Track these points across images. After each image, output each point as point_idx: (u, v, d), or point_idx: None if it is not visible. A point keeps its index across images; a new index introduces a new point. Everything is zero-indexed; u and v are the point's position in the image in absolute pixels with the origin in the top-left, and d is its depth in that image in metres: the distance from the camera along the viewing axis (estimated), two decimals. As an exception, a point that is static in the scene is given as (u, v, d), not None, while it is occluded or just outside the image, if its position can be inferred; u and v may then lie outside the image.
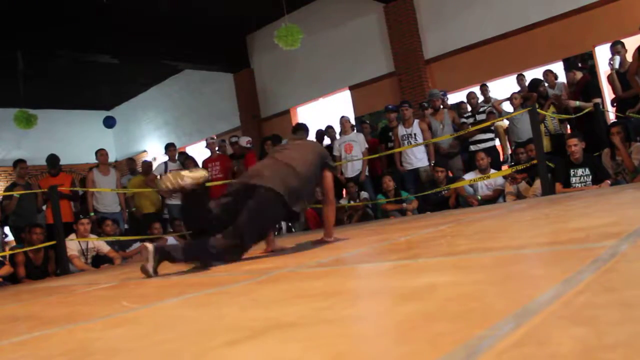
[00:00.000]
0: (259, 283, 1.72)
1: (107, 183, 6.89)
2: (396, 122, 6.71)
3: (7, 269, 5.37)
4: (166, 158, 7.68)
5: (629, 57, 5.63)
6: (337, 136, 7.19)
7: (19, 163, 6.64)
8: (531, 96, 6.14)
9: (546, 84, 6.29)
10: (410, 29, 8.19)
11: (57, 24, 7.91)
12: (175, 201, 7.36)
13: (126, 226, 7.34)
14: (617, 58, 5.68)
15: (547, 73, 6.41)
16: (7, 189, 7.01)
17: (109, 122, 11.69)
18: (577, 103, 5.84)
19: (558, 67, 6.82)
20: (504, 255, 1.43)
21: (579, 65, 6.62)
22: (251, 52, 10.74)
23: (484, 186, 5.84)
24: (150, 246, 2.57)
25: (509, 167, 6.03)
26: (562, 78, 6.61)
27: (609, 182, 4.75)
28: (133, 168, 8.51)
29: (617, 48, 5.69)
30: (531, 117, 5.19)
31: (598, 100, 5.83)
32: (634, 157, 4.84)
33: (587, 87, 5.97)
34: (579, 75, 6.10)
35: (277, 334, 0.90)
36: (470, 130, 6.21)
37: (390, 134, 6.79)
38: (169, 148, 7.68)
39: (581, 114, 5.71)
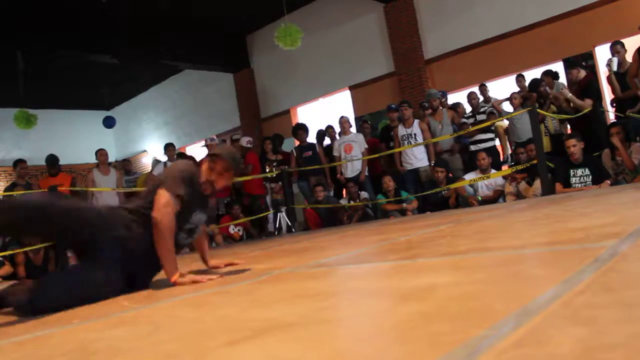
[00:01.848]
0: (259, 283, 1.72)
1: (107, 183, 6.89)
2: (397, 121, 6.72)
3: (7, 269, 5.37)
4: (166, 158, 7.69)
5: (628, 58, 5.64)
6: (337, 136, 7.19)
7: (19, 163, 6.64)
8: (531, 96, 6.13)
9: (546, 87, 6.28)
10: (410, 29, 8.19)
11: (57, 24, 7.90)
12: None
13: None
14: (615, 60, 5.67)
15: (545, 75, 6.40)
16: (7, 189, 7.02)
17: (109, 122, 11.68)
18: (569, 94, 5.77)
19: (558, 67, 6.82)
20: (504, 255, 1.43)
21: (583, 64, 6.59)
22: (251, 52, 10.73)
23: (484, 186, 5.84)
24: None
25: (509, 167, 6.03)
26: (562, 78, 6.60)
27: (609, 182, 4.75)
28: (129, 169, 8.52)
29: (617, 48, 5.68)
30: (531, 117, 5.19)
31: (590, 102, 5.77)
32: (634, 157, 4.84)
33: (589, 87, 5.96)
34: (582, 73, 6.08)
35: (277, 334, 0.90)
36: (470, 130, 6.21)
37: (392, 133, 6.80)
38: (168, 148, 7.69)
39: (581, 114, 5.70)
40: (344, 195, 7.08)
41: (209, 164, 2.20)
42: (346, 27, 9.06)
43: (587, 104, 5.70)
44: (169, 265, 2.01)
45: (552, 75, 6.39)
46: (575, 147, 4.88)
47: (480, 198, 5.73)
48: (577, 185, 4.91)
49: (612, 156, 5.10)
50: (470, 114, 6.69)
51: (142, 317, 1.40)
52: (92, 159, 7.38)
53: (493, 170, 5.78)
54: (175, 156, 7.71)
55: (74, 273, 2.03)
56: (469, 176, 5.86)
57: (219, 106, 11.26)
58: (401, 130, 6.53)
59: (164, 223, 1.96)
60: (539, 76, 6.49)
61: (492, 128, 6.46)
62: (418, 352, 0.66)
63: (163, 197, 1.99)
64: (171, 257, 2.02)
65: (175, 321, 1.28)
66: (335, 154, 6.99)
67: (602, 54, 6.53)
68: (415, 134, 6.44)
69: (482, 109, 6.59)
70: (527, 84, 6.60)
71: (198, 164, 2.25)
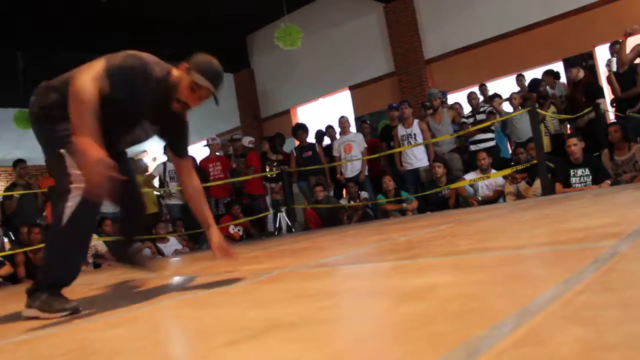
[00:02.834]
0: (259, 283, 1.72)
1: (107, 183, 6.89)
2: (397, 121, 6.73)
3: (7, 269, 5.37)
4: (165, 158, 7.68)
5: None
6: (337, 136, 7.20)
7: (19, 163, 6.64)
8: (530, 96, 6.14)
9: (547, 86, 6.28)
10: (410, 29, 8.19)
11: (57, 24, 7.90)
12: (175, 201, 7.36)
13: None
14: (614, 60, 5.68)
15: (546, 75, 6.39)
16: (7, 189, 7.01)
17: (109, 122, 11.67)
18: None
19: (558, 67, 6.83)
20: (504, 255, 1.43)
21: (583, 64, 6.59)
22: (251, 52, 10.73)
23: (484, 186, 5.84)
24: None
25: (509, 167, 6.03)
26: (562, 78, 6.60)
27: (609, 182, 4.75)
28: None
29: (616, 48, 5.68)
30: (531, 117, 5.19)
31: (601, 100, 5.81)
32: (639, 159, 4.85)
33: (589, 87, 5.96)
34: (581, 73, 6.08)
35: (277, 334, 0.90)
36: (470, 130, 6.22)
37: (392, 133, 6.80)
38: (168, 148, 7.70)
39: (581, 114, 5.71)
40: (344, 195, 7.08)
41: (192, 84, 1.87)
42: (346, 27, 9.06)
43: (597, 102, 5.71)
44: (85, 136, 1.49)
45: (554, 75, 6.40)
46: (576, 146, 4.89)
47: (480, 198, 5.73)
48: (577, 185, 4.91)
49: (610, 156, 5.11)
50: (470, 114, 6.70)
51: (142, 317, 1.40)
52: (92, 159, 7.37)
53: (493, 170, 5.78)
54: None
55: None
56: (469, 176, 5.87)
57: (219, 106, 11.24)
58: (401, 130, 6.53)
59: (84, 90, 1.55)
60: (538, 76, 6.50)
61: (492, 128, 6.46)
62: (418, 352, 0.66)
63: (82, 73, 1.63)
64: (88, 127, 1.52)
65: (175, 321, 1.28)
66: (335, 154, 7.00)
67: (602, 54, 6.53)
68: (415, 134, 6.45)
69: (481, 109, 6.59)
70: (527, 84, 6.61)
71: (168, 74, 1.86)
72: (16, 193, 6.30)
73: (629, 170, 4.94)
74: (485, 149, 6.11)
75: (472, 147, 6.37)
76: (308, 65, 9.55)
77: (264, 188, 7.51)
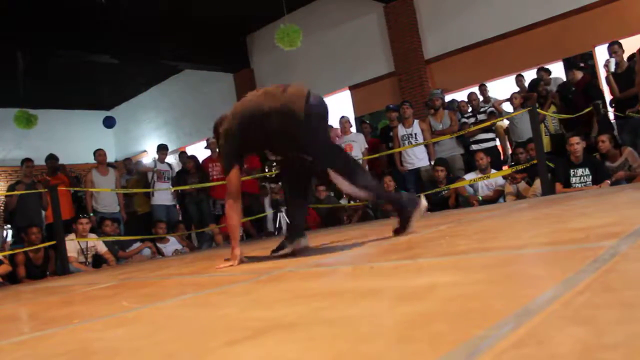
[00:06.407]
0: (259, 283, 1.72)
1: (106, 183, 6.88)
2: (397, 121, 6.73)
3: (5, 268, 5.36)
4: (156, 157, 7.65)
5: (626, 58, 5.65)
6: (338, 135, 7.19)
7: (25, 162, 6.70)
8: (531, 96, 6.14)
9: (542, 82, 6.30)
10: (410, 29, 8.19)
11: (57, 24, 7.91)
12: (160, 202, 7.24)
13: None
14: (613, 60, 5.69)
15: (541, 71, 6.41)
16: (9, 188, 7.03)
17: (109, 122, 11.68)
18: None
19: (558, 67, 6.83)
20: (504, 255, 1.43)
21: (580, 65, 6.59)
22: (251, 52, 10.73)
23: (484, 186, 5.84)
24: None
25: (509, 167, 6.04)
26: (562, 78, 6.61)
27: (609, 182, 4.75)
28: (130, 168, 8.50)
29: (614, 48, 5.69)
30: (531, 117, 5.19)
31: (599, 101, 5.81)
32: (631, 162, 4.85)
33: (588, 88, 5.97)
34: (578, 75, 6.09)
35: (277, 334, 0.90)
36: (471, 130, 6.22)
37: (391, 133, 6.80)
38: (161, 150, 7.62)
39: (581, 113, 5.71)
40: (344, 196, 7.08)
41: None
42: (346, 27, 9.06)
43: (595, 103, 5.73)
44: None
45: (546, 71, 6.44)
46: (578, 145, 4.90)
47: (481, 198, 5.73)
48: (577, 185, 4.91)
49: (602, 160, 5.13)
50: (471, 114, 6.70)
51: (142, 317, 1.40)
52: (92, 159, 7.38)
53: (493, 170, 5.78)
54: (165, 159, 7.63)
55: None
56: (469, 176, 5.87)
57: (219, 106, 11.23)
58: (401, 130, 6.54)
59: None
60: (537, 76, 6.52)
61: (493, 128, 6.47)
62: (418, 352, 0.66)
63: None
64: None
65: (175, 321, 1.28)
66: (336, 154, 6.99)
67: (602, 54, 6.54)
68: (415, 134, 6.45)
69: (482, 109, 6.59)
70: (526, 84, 6.61)
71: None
72: (17, 193, 6.30)
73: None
74: (486, 149, 6.12)
75: (474, 147, 6.38)
76: (308, 66, 9.55)
77: (262, 188, 7.51)
